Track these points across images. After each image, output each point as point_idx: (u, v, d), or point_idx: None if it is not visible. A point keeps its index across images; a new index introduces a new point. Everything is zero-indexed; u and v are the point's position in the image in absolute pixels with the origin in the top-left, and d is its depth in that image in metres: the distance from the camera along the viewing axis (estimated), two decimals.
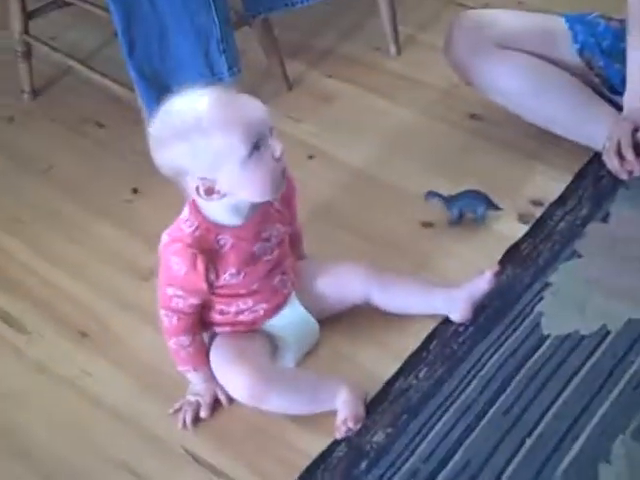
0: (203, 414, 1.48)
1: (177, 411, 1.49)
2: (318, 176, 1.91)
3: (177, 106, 1.37)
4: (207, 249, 1.39)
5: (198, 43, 1.81)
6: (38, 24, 2.18)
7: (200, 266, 1.38)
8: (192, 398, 1.50)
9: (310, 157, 1.96)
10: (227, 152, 1.33)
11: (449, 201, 1.75)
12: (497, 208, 1.73)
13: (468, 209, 1.74)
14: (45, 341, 1.66)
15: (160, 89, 1.82)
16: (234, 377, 1.45)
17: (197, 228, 1.39)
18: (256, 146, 1.34)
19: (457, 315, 1.56)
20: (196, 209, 1.41)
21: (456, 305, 1.56)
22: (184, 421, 1.48)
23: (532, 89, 1.78)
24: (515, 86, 1.80)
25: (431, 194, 1.77)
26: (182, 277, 1.39)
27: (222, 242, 1.40)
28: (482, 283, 1.55)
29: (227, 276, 1.42)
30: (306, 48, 2.26)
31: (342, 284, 1.56)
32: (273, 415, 1.46)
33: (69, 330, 1.66)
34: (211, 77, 1.85)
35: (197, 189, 1.35)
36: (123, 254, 1.78)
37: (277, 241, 1.47)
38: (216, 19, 1.79)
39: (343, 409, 1.44)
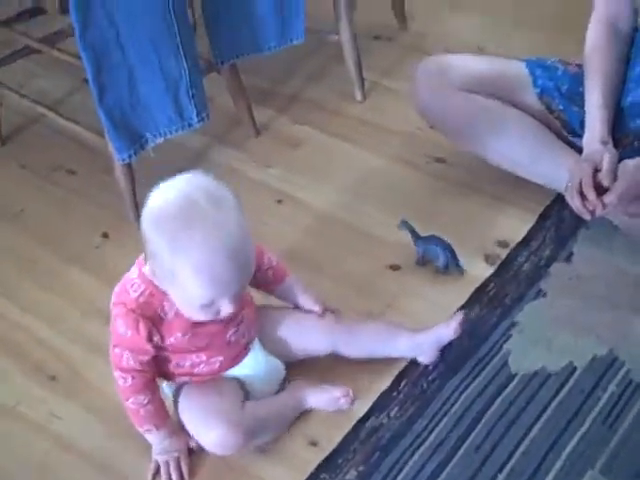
0: (185, 470, 1.47)
1: (155, 475, 1.47)
2: (287, 220, 1.93)
3: (182, 202, 1.31)
4: (150, 315, 1.38)
5: (167, 89, 1.83)
6: (6, 72, 2.20)
7: (143, 331, 1.37)
8: (165, 457, 1.48)
9: (279, 201, 1.99)
10: (181, 290, 1.33)
11: (417, 238, 1.78)
12: (458, 265, 1.75)
13: (430, 255, 1.77)
14: (15, 385, 1.65)
15: (130, 135, 1.84)
16: (206, 435, 1.44)
17: (142, 294, 1.38)
18: (211, 303, 1.34)
19: (424, 358, 1.58)
20: (144, 273, 1.40)
21: (422, 349, 1.58)
22: None
23: (494, 131, 1.82)
24: (477, 129, 1.84)
25: (404, 224, 1.79)
26: (127, 339, 1.38)
27: (167, 309, 1.39)
28: (448, 331, 1.56)
29: (172, 339, 1.41)
30: (273, 94, 2.30)
31: (306, 334, 1.57)
32: (246, 451, 1.46)
33: (39, 374, 1.66)
34: (180, 122, 1.88)
35: (148, 267, 1.36)
36: (92, 299, 1.78)
37: None
38: (185, 65, 1.81)
39: (319, 403, 1.51)
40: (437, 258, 1.76)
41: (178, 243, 1.29)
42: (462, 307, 1.70)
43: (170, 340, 1.41)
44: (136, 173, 1.90)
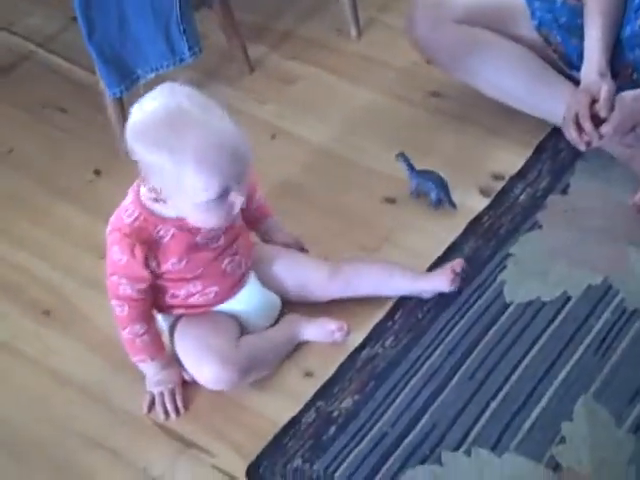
0: (179, 401, 1.48)
1: (151, 407, 1.48)
2: (281, 155, 1.92)
3: (166, 109, 1.31)
4: (146, 240, 1.37)
5: (157, 23, 1.80)
6: None
7: (139, 255, 1.37)
8: (160, 388, 1.48)
9: (273, 137, 1.97)
10: (190, 190, 1.31)
11: (412, 171, 1.77)
12: (450, 202, 1.74)
13: (423, 189, 1.76)
14: (10, 321, 1.65)
15: (122, 71, 1.82)
16: (200, 370, 1.45)
17: (136, 219, 1.38)
18: (219, 196, 1.32)
19: (429, 294, 1.58)
20: (138, 198, 1.39)
21: (419, 293, 1.58)
22: (166, 412, 1.47)
23: (491, 63, 1.80)
24: (474, 61, 1.82)
25: (401, 156, 1.77)
26: (123, 265, 1.38)
27: (162, 233, 1.38)
28: (445, 283, 1.55)
29: (169, 264, 1.41)
30: (267, 30, 2.27)
31: (303, 285, 1.56)
32: (242, 384, 1.47)
33: (34, 309, 1.66)
34: (172, 58, 1.85)
35: (148, 190, 1.34)
36: (86, 234, 1.77)
37: (224, 229, 1.44)
38: None
39: (314, 336, 1.52)
40: (429, 193, 1.74)
41: (174, 144, 1.28)
42: (457, 239, 1.69)
43: (167, 266, 1.41)
44: (127, 111, 1.87)
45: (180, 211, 1.36)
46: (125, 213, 1.39)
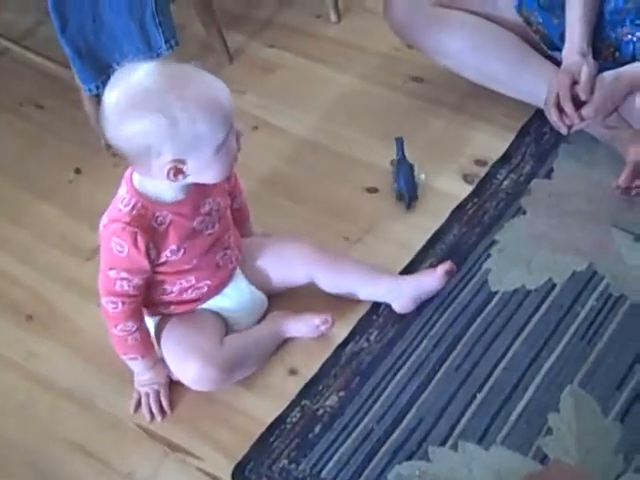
0: (165, 403, 1.47)
1: (137, 407, 1.48)
2: (263, 147, 1.90)
3: (146, 75, 1.28)
4: (145, 227, 1.36)
5: (132, 16, 1.78)
6: None
7: (141, 244, 1.35)
8: (146, 389, 1.47)
9: (254, 128, 1.95)
10: (207, 136, 1.29)
11: (397, 158, 1.75)
12: (409, 201, 1.71)
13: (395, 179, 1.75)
14: None
15: (97, 66, 1.80)
16: (183, 370, 1.44)
17: (134, 207, 1.36)
18: (227, 136, 1.31)
19: (398, 305, 1.54)
20: (133, 187, 1.37)
21: (400, 296, 1.54)
22: (151, 413, 1.46)
23: (471, 46, 1.78)
24: (455, 44, 1.79)
25: (398, 141, 1.76)
26: (124, 257, 1.36)
27: (160, 219, 1.37)
28: (432, 281, 1.53)
29: (168, 253, 1.40)
30: (246, 19, 2.24)
31: (286, 265, 1.55)
32: (226, 384, 1.46)
33: (15, 314, 1.64)
34: (148, 51, 1.83)
35: (168, 172, 1.30)
36: (66, 235, 1.75)
37: (218, 215, 1.45)
38: None
39: (299, 332, 1.52)
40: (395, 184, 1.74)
41: (177, 103, 1.26)
42: (441, 228, 1.68)
43: (166, 254, 1.39)
44: None
45: (203, 169, 1.33)
46: (122, 202, 1.37)
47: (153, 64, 1.31)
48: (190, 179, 1.34)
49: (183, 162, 1.30)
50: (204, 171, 1.34)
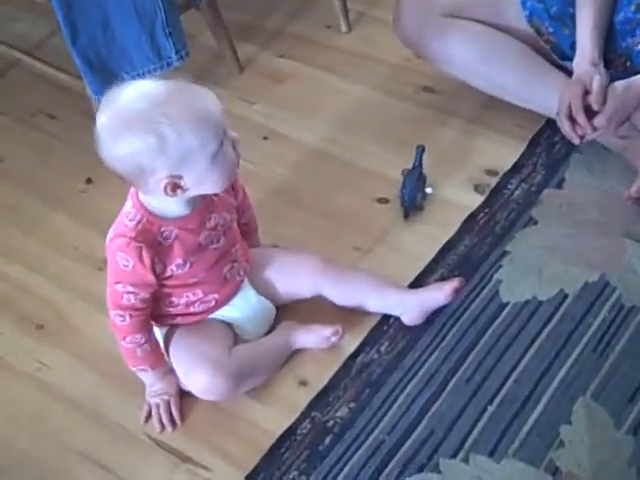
0: (175, 414, 1.47)
1: (148, 417, 1.48)
2: (273, 156, 1.90)
3: (132, 96, 1.30)
4: (151, 242, 1.36)
5: (142, 27, 1.78)
6: None
7: (146, 259, 1.35)
8: (156, 400, 1.47)
9: (265, 138, 1.95)
10: (198, 148, 1.29)
11: (411, 168, 1.75)
12: (406, 211, 1.71)
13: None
14: (2, 335, 1.64)
15: (107, 76, 1.80)
16: (192, 380, 1.44)
17: (139, 222, 1.36)
18: (220, 143, 1.31)
19: (407, 318, 1.54)
20: (139, 201, 1.37)
21: (407, 310, 1.53)
22: (162, 424, 1.46)
23: (482, 56, 1.78)
24: (465, 54, 1.79)
25: (419, 148, 1.75)
26: (130, 272, 1.36)
27: (166, 234, 1.37)
28: (439, 295, 1.53)
29: (174, 267, 1.40)
30: (256, 29, 2.24)
31: (293, 278, 1.54)
32: (236, 395, 1.45)
33: (26, 323, 1.65)
34: (159, 62, 1.83)
35: (165, 188, 1.30)
36: (78, 245, 1.76)
37: (223, 229, 1.44)
38: (160, 2, 1.76)
39: (309, 343, 1.51)
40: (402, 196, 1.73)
41: (164, 120, 1.26)
42: (452, 238, 1.67)
43: (171, 268, 1.39)
44: None
45: (201, 181, 1.32)
46: (127, 217, 1.37)
47: (141, 83, 1.33)
48: (191, 192, 1.34)
49: (179, 177, 1.30)
50: (203, 182, 1.33)
